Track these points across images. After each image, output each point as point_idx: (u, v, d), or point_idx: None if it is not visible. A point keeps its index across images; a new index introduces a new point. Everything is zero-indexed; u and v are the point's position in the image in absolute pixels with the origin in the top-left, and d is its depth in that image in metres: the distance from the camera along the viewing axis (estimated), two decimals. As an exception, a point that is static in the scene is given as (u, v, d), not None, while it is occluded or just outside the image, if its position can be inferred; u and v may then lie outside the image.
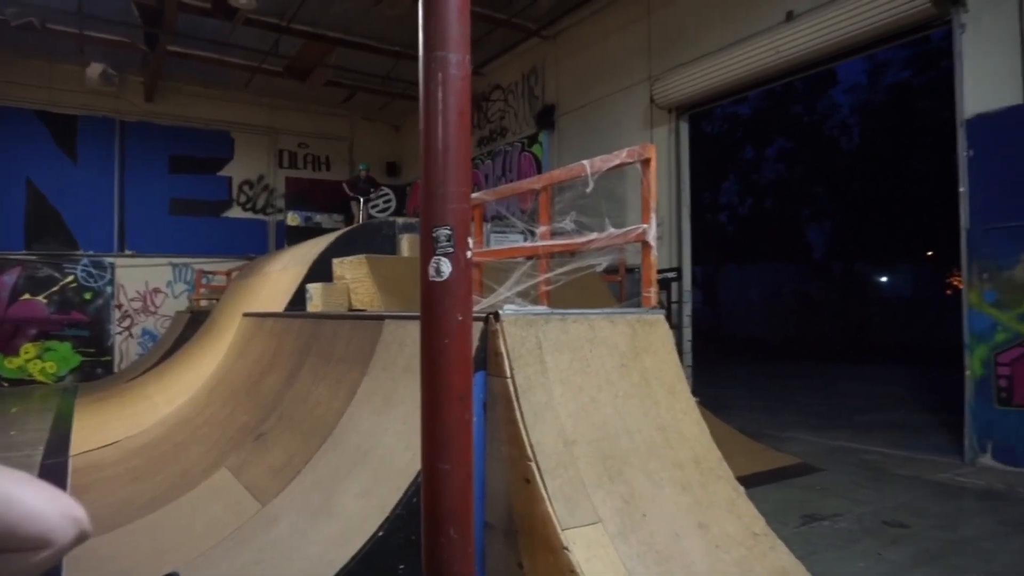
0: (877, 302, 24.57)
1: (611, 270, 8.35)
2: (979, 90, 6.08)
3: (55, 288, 13.11)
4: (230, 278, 12.67)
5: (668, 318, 4.53)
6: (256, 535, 3.47)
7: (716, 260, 27.49)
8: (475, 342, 2.88)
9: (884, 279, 27.07)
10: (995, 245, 5.91)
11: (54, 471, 5.53)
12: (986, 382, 5.94)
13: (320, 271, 7.01)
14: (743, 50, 8.14)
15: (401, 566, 2.78)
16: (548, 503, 2.61)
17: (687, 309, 9.20)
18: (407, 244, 7.15)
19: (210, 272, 13.69)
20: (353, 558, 2.81)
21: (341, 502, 3.29)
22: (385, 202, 12.71)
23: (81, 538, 0.96)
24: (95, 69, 12.35)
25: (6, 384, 12.44)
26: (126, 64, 12.85)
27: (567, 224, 3.96)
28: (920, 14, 6.45)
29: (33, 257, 12.94)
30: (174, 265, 14.32)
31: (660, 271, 8.70)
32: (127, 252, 13.81)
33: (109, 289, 13.59)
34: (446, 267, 2.12)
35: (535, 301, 3.87)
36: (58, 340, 13.05)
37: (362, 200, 11.87)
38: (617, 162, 3.57)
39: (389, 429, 3.48)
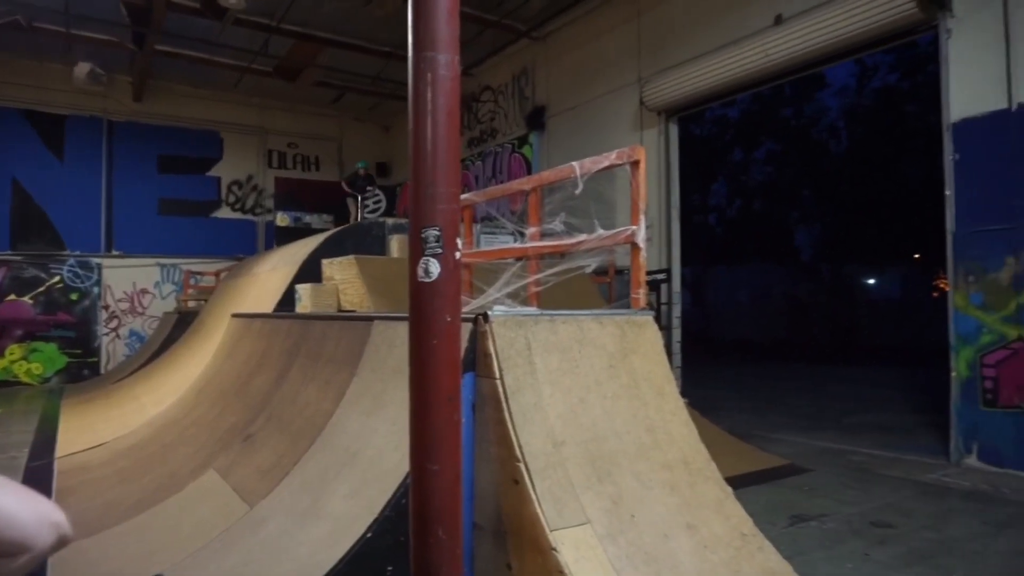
0: (865, 304, 24.74)
1: (600, 271, 8.37)
2: (965, 94, 6.14)
3: (41, 289, 12.99)
4: (219, 279, 12.61)
5: (657, 319, 4.54)
6: (244, 537, 3.45)
7: (705, 262, 27.61)
8: (464, 343, 2.88)
9: (872, 281, 27.26)
10: (981, 248, 5.97)
11: (39, 473, 5.48)
12: (972, 383, 5.99)
13: (309, 272, 6.99)
14: (732, 53, 8.18)
15: (390, 567, 2.77)
16: (537, 504, 2.61)
17: (676, 310, 9.23)
18: (397, 245, 7.13)
19: (198, 273, 13.62)
20: (342, 560, 2.80)
21: (330, 503, 3.28)
22: (375, 203, 12.67)
23: (61, 543, 0.96)
24: (82, 68, 12.26)
25: (-9, 385, 12.32)
26: (114, 63, 12.76)
27: (557, 225, 3.97)
28: (907, 19, 6.51)
29: (19, 257, 12.83)
30: (162, 266, 14.23)
31: (649, 272, 8.72)
32: (114, 252, 13.71)
33: (96, 290, 13.48)
34: (435, 268, 2.12)
35: (524, 302, 3.87)
36: (44, 341, 12.94)
37: (360, 197, 11.79)
38: (606, 164, 3.58)
39: (378, 430, 3.48)
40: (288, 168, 15.94)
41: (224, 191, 15.13)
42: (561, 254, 4.17)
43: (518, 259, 4.44)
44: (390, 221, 8.00)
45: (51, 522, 0.94)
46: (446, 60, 2.12)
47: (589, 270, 4.08)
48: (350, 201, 12.04)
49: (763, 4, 8.07)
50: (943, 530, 4.30)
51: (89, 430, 7.03)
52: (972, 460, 5.93)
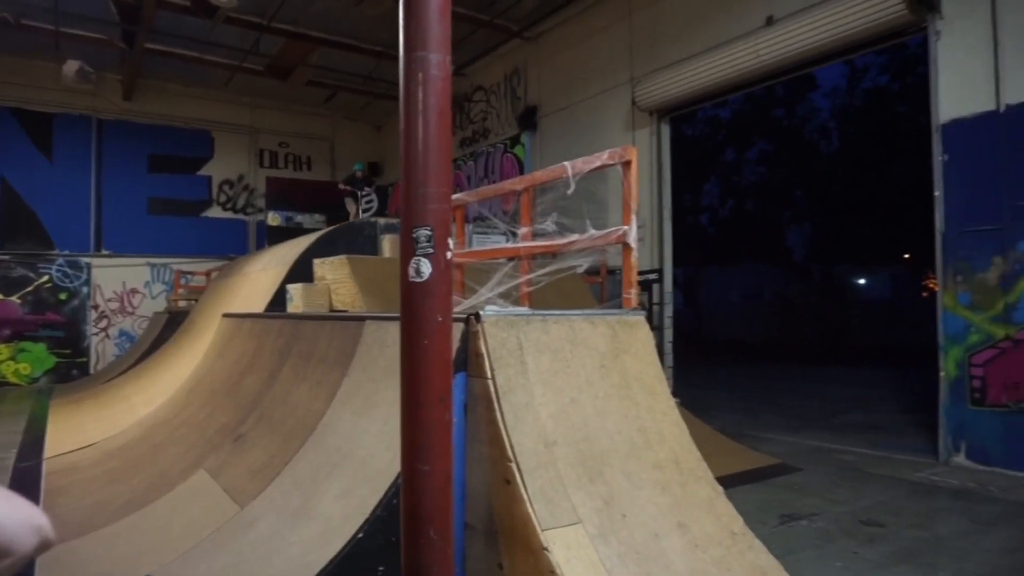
0: (856, 304, 24.88)
1: (592, 271, 8.37)
2: (954, 96, 6.18)
3: (29, 288, 12.89)
4: (209, 278, 12.56)
5: (649, 320, 4.56)
6: (235, 537, 3.44)
7: (697, 262, 27.69)
8: (456, 343, 2.88)
9: (862, 281, 27.43)
10: (969, 248, 6.01)
11: (28, 474, 5.44)
12: (960, 383, 6.04)
13: (301, 271, 6.97)
14: (724, 54, 8.21)
15: (381, 568, 2.77)
16: (528, 504, 2.62)
17: (668, 311, 9.26)
18: (388, 245, 7.13)
19: (189, 272, 13.55)
20: (332, 560, 2.79)
21: (321, 504, 3.27)
22: (367, 202, 12.64)
23: (43, 546, 0.95)
24: (71, 66, 12.16)
25: (-21, 386, 12.22)
26: (104, 61, 12.67)
27: (549, 225, 3.97)
28: (896, 20, 6.55)
29: (7, 257, 12.72)
30: (152, 265, 14.15)
31: (641, 273, 8.74)
32: (104, 252, 13.62)
33: (85, 289, 13.39)
34: (426, 268, 2.12)
35: (516, 302, 3.87)
36: (32, 341, 12.84)
37: (359, 194, 11.60)
38: (598, 164, 3.59)
39: (369, 430, 3.47)
40: (279, 167, 15.88)
41: (215, 190, 15.06)
42: (553, 254, 4.18)
43: (510, 259, 4.45)
44: (382, 221, 7.99)
45: (33, 525, 0.93)
46: (437, 60, 2.12)
47: (581, 270, 4.09)
48: (348, 201, 11.85)
49: (754, 5, 8.11)
50: (932, 528, 4.33)
51: (78, 431, 6.98)
52: (960, 459, 5.97)
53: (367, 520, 2.88)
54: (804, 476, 5.69)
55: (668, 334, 9.18)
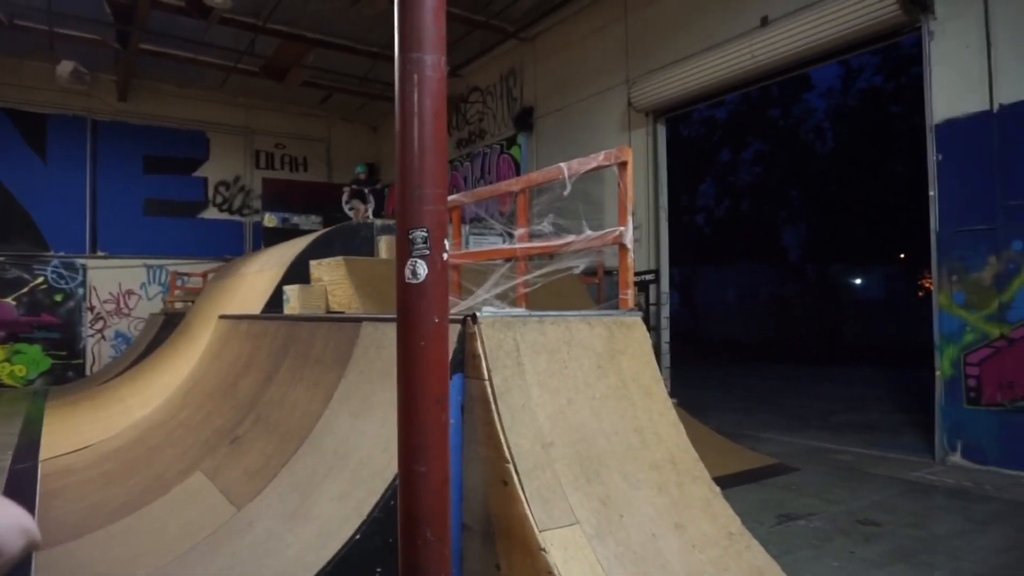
0: (851, 304, 24.94)
1: (589, 272, 8.40)
2: (947, 96, 6.21)
3: (24, 290, 12.85)
4: (206, 280, 12.52)
5: (646, 320, 4.56)
6: (231, 539, 3.43)
7: (694, 262, 27.72)
8: (453, 344, 2.88)
9: (858, 281, 27.49)
10: (964, 248, 6.03)
11: (23, 477, 5.42)
12: (956, 382, 6.06)
13: (297, 273, 6.95)
14: (719, 54, 8.22)
15: (378, 569, 2.76)
16: (526, 505, 2.61)
17: (665, 311, 9.27)
18: (385, 246, 7.11)
19: (185, 274, 13.51)
20: (330, 562, 2.79)
21: (318, 505, 3.26)
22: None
23: (29, 548, 0.95)
24: (65, 67, 12.13)
25: (-26, 388, 12.18)
26: (98, 62, 12.64)
27: (545, 226, 3.97)
28: (890, 21, 6.57)
29: (1, 258, 12.68)
30: (148, 266, 14.11)
31: (638, 273, 8.76)
32: (99, 253, 13.58)
33: (81, 291, 13.36)
34: (422, 269, 2.12)
35: (513, 303, 3.87)
36: (27, 343, 12.80)
37: (367, 191, 11.23)
38: (594, 165, 3.59)
39: (367, 432, 3.47)
40: (276, 169, 15.86)
41: (211, 192, 15.04)
42: (550, 255, 4.17)
43: (507, 260, 4.45)
44: (379, 222, 7.98)
45: (20, 528, 0.93)
46: (432, 61, 2.12)
47: (578, 271, 4.09)
48: (356, 202, 11.66)
49: (749, 6, 8.12)
50: (928, 527, 4.35)
51: (74, 433, 6.96)
52: (956, 458, 5.99)
53: (364, 522, 2.88)
54: (801, 476, 5.71)
55: (665, 334, 9.19)
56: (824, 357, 18.16)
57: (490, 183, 11.98)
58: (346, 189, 11.55)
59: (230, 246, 14.87)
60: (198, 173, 14.90)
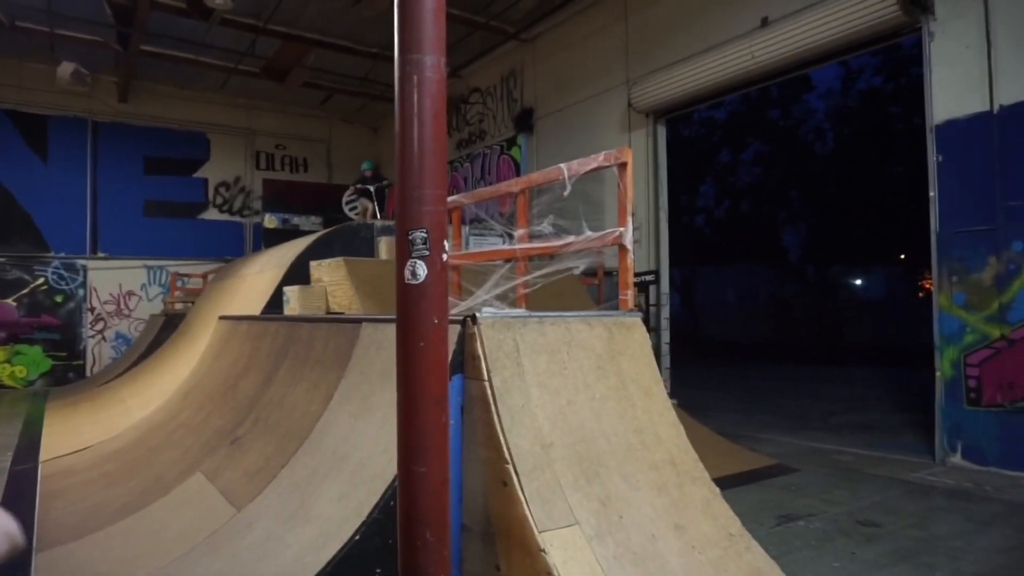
0: (852, 304, 24.94)
1: (589, 273, 8.39)
2: (947, 97, 6.21)
3: (25, 291, 12.86)
4: (206, 281, 12.52)
5: (646, 321, 4.56)
6: (231, 540, 3.43)
7: (694, 263, 27.72)
8: (452, 345, 2.88)
9: (858, 282, 27.48)
10: (964, 248, 6.03)
11: (23, 478, 5.42)
12: (956, 383, 6.05)
13: (298, 274, 6.95)
14: (719, 55, 8.22)
15: (378, 570, 2.76)
16: (525, 505, 2.61)
17: (665, 312, 9.27)
18: (385, 246, 7.11)
19: (185, 275, 13.52)
20: (330, 562, 2.79)
21: (318, 506, 3.26)
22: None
23: (13, 551, 0.95)
24: (66, 68, 12.14)
25: (-26, 389, 12.18)
26: (99, 63, 12.65)
27: (545, 227, 3.97)
28: (890, 21, 6.57)
29: (2, 259, 12.69)
30: (149, 267, 14.12)
31: (638, 274, 8.76)
32: (100, 254, 13.59)
33: (81, 292, 13.36)
34: (422, 270, 2.12)
35: (513, 304, 3.87)
36: (28, 344, 12.80)
37: (373, 189, 11.09)
38: (594, 165, 3.59)
39: (366, 432, 3.47)
40: (276, 170, 15.87)
41: (211, 193, 15.05)
42: (550, 256, 4.17)
43: (507, 261, 4.45)
44: (379, 223, 7.98)
45: (3, 532, 0.94)
46: (432, 62, 2.12)
47: (578, 272, 4.10)
48: (363, 200, 11.36)
49: (749, 7, 8.12)
50: (928, 528, 4.34)
51: (74, 433, 6.96)
52: (956, 459, 5.99)
53: (364, 523, 2.88)
54: (801, 477, 5.70)
55: (665, 335, 9.19)
56: (824, 358, 18.15)
57: (490, 184, 11.98)
58: (352, 187, 11.45)
59: (230, 247, 14.87)
60: (198, 174, 14.91)
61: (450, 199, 4.47)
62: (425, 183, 2.13)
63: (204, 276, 12.90)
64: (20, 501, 4.73)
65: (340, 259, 6.21)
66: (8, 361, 12.59)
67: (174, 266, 13.96)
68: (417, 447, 2.16)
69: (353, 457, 3.40)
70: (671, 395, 3.53)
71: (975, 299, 5.95)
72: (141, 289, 14.02)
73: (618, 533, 2.73)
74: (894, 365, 15.25)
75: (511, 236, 4.29)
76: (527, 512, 2.60)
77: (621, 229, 3.46)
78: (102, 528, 4.04)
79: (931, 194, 6.29)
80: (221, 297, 9.49)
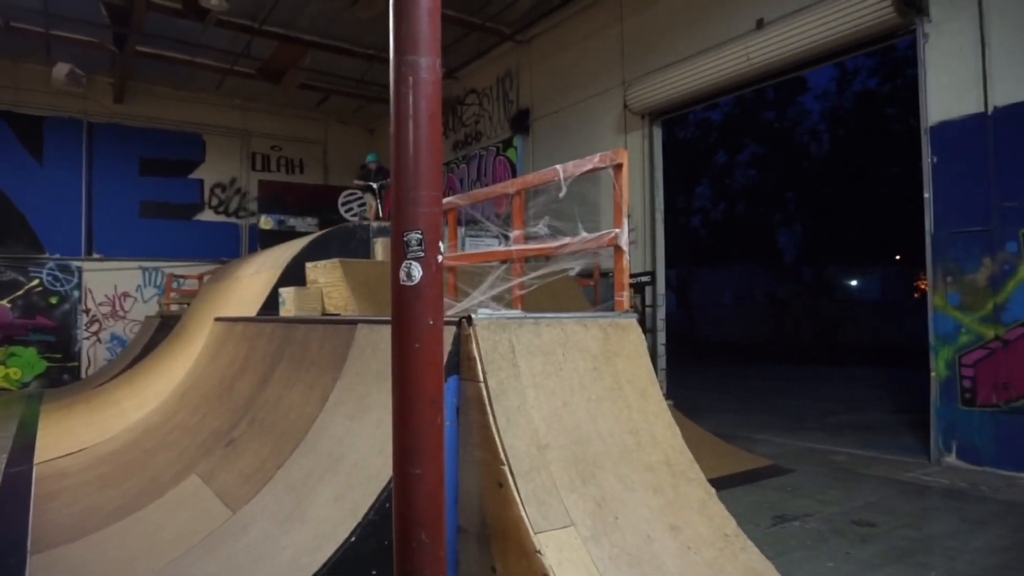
0: (847, 305, 25.00)
1: (585, 274, 8.39)
2: (942, 98, 6.23)
3: (19, 292, 12.81)
4: (202, 282, 12.51)
5: (642, 322, 4.57)
6: (226, 542, 3.42)
7: (690, 263, 27.75)
8: (448, 346, 2.88)
9: (854, 282, 27.54)
10: (959, 249, 6.05)
11: (18, 479, 5.40)
12: (951, 383, 6.07)
13: (293, 275, 6.95)
14: (715, 57, 8.24)
15: (374, 572, 2.76)
16: (521, 507, 2.62)
17: (661, 312, 9.27)
18: (381, 248, 7.11)
19: (181, 276, 13.49)
20: (325, 564, 2.79)
21: (313, 508, 3.26)
22: (359, 205, 12.59)
23: None
24: (61, 69, 12.11)
25: (-32, 391, 12.13)
26: (94, 64, 12.62)
27: (541, 228, 3.98)
28: (885, 23, 6.59)
29: (-4, 260, 12.66)
30: (144, 269, 14.08)
31: (634, 275, 8.77)
32: (95, 256, 13.55)
33: (76, 293, 13.32)
34: (417, 271, 2.12)
35: (509, 305, 3.88)
36: (23, 345, 12.75)
37: (376, 187, 10.89)
38: (590, 167, 3.60)
39: (362, 434, 3.47)
40: (272, 171, 15.84)
41: (207, 194, 15.02)
42: (546, 257, 4.18)
43: (503, 262, 4.45)
44: (374, 224, 7.98)
45: None
46: (427, 64, 2.12)
47: (573, 273, 4.10)
48: (368, 196, 11.28)
49: (745, 8, 8.14)
50: (923, 528, 4.35)
51: (69, 435, 6.94)
52: (951, 459, 6.01)
53: (359, 524, 2.87)
54: (796, 477, 5.71)
55: (661, 336, 9.20)
56: (820, 358, 18.19)
57: (486, 185, 11.98)
58: (355, 179, 11.27)
59: (226, 248, 14.85)
60: (194, 175, 14.88)
61: (446, 200, 4.48)
62: (420, 184, 2.13)
63: (200, 277, 12.88)
64: (15, 503, 4.71)
65: (336, 260, 6.21)
66: (3, 363, 12.54)
67: (170, 267, 13.93)
68: (413, 448, 2.16)
69: (349, 458, 3.39)
70: (667, 396, 3.54)
71: (970, 300, 5.97)
72: (136, 291, 13.98)
73: (614, 534, 2.74)
74: (890, 365, 15.29)
75: (507, 237, 4.29)
76: (523, 513, 2.60)
77: (617, 230, 3.47)
78: (97, 530, 4.03)
79: (926, 195, 6.32)
80: (217, 298, 9.47)
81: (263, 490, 3.72)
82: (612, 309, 3.55)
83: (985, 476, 5.59)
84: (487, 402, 2.83)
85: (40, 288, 13.00)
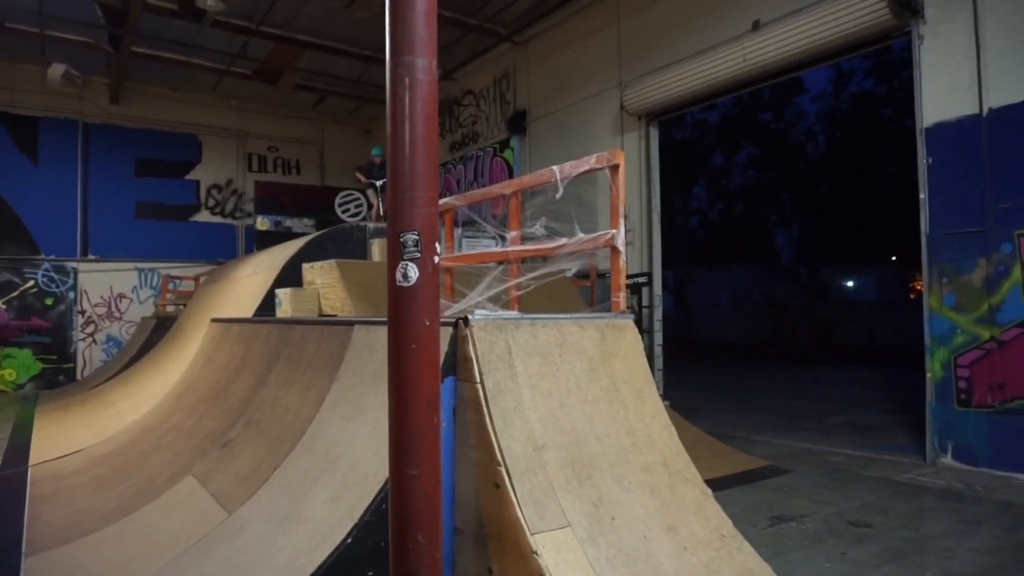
0: (844, 305, 25.06)
1: (582, 275, 8.39)
2: (937, 99, 6.25)
3: (14, 293, 12.77)
4: (198, 283, 12.49)
5: (639, 322, 4.57)
6: (222, 543, 3.42)
7: (687, 264, 27.79)
8: (445, 347, 2.88)
9: (850, 283, 27.60)
10: (954, 250, 6.07)
11: (13, 481, 5.39)
12: (946, 384, 6.09)
13: (290, 276, 6.94)
14: (712, 58, 8.25)
15: (370, 573, 2.76)
16: (517, 508, 2.62)
17: (658, 313, 9.28)
18: (378, 249, 7.11)
19: (177, 277, 13.47)
20: (321, 565, 2.78)
21: (310, 509, 3.25)
22: (356, 206, 12.59)
23: None
24: (56, 70, 12.08)
25: (-37, 392, 12.09)
26: (90, 65, 12.59)
27: (538, 229, 3.97)
28: (881, 25, 6.61)
29: (-9, 262, 12.62)
30: (140, 270, 14.05)
31: (630, 276, 8.77)
32: (91, 257, 13.51)
33: (72, 294, 13.28)
34: (413, 272, 2.12)
35: (506, 306, 3.87)
36: (17, 347, 12.71)
37: (378, 184, 10.79)
38: (586, 168, 3.60)
39: (359, 435, 3.46)
40: (268, 172, 15.83)
41: (203, 195, 15.00)
42: (542, 258, 4.18)
43: (499, 263, 4.44)
44: (371, 225, 7.97)
45: None
46: (424, 64, 2.12)
47: (570, 274, 4.10)
48: (370, 193, 11.23)
49: (741, 10, 8.16)
50: (919, 528, 4.36)
51: (65, 437, 6.92)
52: (947, 459, 6.02)
53: (356, 525, 2.87)
54: (793, 478, 5.72)
55: (658, 337, 9.20)
56: (817, 358, 18.23)
57: (483, 186, 11.98)
58: (359, 175, 11.12)
59: (222, 249, 14.83)
60: (190, 176, 14.86)
61: (442, 201, 4.48)
62: (417, 185, 2.13)
63: (196, 278, 12.86)
64: (10, 505, 4.70)
65: (332, 261, 6.20)
66: (-2, 364, 12.52)
67: (166, 268, 13.91)
68: (409, 449, 2.16)
69: (345, 459, 3.39)
70: (664, 397, 3.54)
71: (965, 300, 5.99)
72: (132, 292, 13.95)
73: (610, 535, 2.74)
74: (887, 366, 15.32)
75: (504, 238, 4.29)
76: (519, 514, 2.60)
77: (614, 231, 3.47)
78: (93, 532, 4.02)
79: (921, 196, 6.33)
80: (213, 299, 9.46)
81: (259, 491, 3.71)
82: (609, 310, 3.55)
83: (980, 476, 5.60)
84: (483, 403, 2.83)
85: (35, 289, 12.96)
